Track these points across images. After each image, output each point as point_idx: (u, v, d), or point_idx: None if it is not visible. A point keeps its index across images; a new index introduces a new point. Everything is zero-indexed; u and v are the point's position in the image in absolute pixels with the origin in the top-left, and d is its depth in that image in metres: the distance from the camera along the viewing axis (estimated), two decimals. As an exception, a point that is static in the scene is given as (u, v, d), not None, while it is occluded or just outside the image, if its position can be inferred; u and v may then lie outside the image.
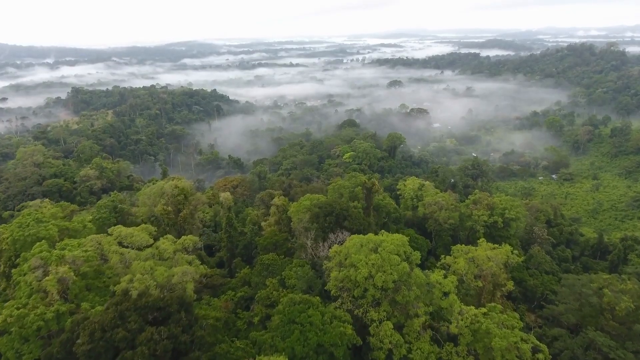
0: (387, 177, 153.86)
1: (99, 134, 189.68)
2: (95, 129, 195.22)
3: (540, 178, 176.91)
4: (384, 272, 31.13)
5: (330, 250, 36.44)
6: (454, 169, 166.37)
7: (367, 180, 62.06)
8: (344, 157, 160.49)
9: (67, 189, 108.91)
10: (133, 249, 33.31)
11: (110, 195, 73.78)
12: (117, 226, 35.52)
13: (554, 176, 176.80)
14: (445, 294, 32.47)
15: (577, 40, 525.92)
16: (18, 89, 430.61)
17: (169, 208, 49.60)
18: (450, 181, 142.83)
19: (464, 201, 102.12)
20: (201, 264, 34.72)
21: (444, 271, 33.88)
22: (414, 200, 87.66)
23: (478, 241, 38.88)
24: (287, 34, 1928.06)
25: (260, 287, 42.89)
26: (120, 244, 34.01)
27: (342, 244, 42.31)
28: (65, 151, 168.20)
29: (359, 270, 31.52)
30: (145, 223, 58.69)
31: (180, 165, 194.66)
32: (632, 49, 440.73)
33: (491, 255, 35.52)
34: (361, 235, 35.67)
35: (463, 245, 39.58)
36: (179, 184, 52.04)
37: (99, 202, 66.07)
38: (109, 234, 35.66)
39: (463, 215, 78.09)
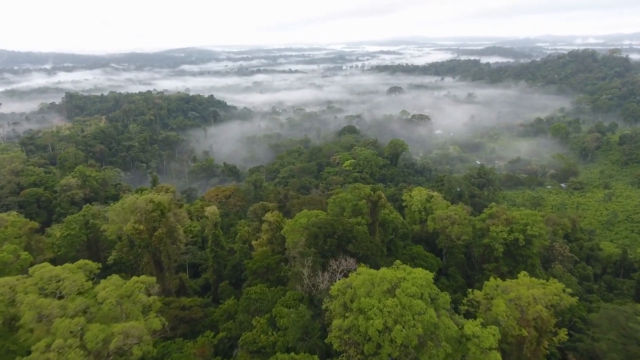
0: (390, 185, 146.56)
1: (89, 140, 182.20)
2: (86, 135, 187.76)
3: (548, 187, 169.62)
4: (405, 323, 23.53)
5: (332, 287, 28.84)
6: (458, 177, 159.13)
7: (372, 193, 54.46)
8: (344, 164, 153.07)
9: (46, 199, 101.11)
10: (60, 297, 25.25)
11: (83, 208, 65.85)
12: (42, 264, 27.39)
13: (563, 185, 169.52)
14: (485, 351, 24.84)
15: (575, 48, 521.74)
16: (12, 94, 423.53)
17: (141, 226, 42.00)
18: (456, 190, 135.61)
19: (477, 215, 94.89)
20: (158, 315, 26.53)
21: (481, 319, 26.22)
22: (422, 213, 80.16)
23: (519, 275, 31.20)
24: (286, 41, 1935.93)
25: (245, 326, 35.08)
26: (42, 290, 25.90)
27: (345, 275, 34.54)
28: (51, 158, 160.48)
29: (372, 320, 23.96)
30: (121, 241, 50.94)
31: (173, 172, 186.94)
32: (633, 57, 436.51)
33: (538, 296, 27.99)
34: (372, 270, 28.00)
35: (497, 278, 31.90)
36: (154, 198, 44.47)
37: (68, 217, 58.35)
38: (29, 275, 27.22)
39: (477, 231, 70.51)
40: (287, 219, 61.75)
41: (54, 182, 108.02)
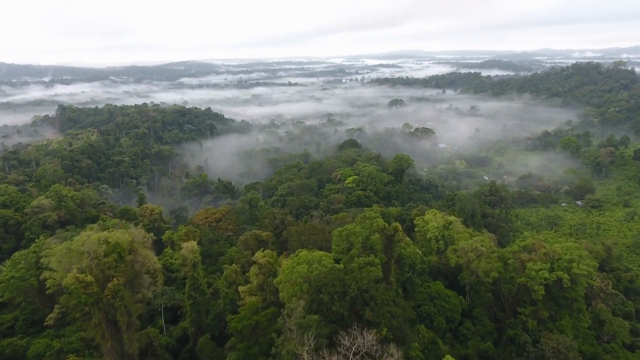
0: (395, 203, 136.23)
1: (76, 154, 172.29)
2: (73, 149, 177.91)
3: (563, 205, 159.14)
4: None
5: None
6: (468, 194, 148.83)
7: (387, 226, 44.19)
8: (346, 181, 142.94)
9: (15, 222, 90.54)
10: None
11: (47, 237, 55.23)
12: None
13: (579, 203, 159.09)
14: None
15: (574, 61, 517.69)
16: (7, 107, 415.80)
17: (89, 277, 31.72)
18: (468, 209, 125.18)
19: (497, 239, 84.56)
20: None
21: None
22: (440, 242, 69.86)
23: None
24: (286, 55, 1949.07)
25: None
26: None
27: (362, 358, 23.93)
28: (33, 174, 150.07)
29: None
30: (66, 293, 40.25)
31: (164, 189, 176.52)
32: (637, 69, 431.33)
33: None
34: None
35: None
36: (110, 238, 34.32)
37: (15, 253, 47.93)
38: None
39: (505, 263, 59.99)
40: (283, 254, 51.26)
41: (27, 202, 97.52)
